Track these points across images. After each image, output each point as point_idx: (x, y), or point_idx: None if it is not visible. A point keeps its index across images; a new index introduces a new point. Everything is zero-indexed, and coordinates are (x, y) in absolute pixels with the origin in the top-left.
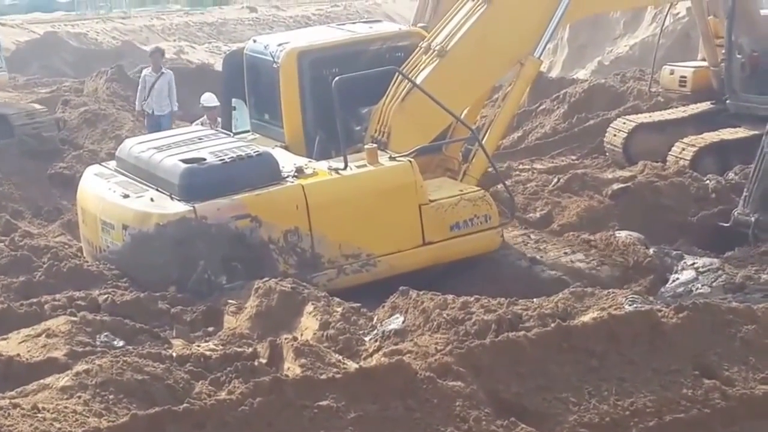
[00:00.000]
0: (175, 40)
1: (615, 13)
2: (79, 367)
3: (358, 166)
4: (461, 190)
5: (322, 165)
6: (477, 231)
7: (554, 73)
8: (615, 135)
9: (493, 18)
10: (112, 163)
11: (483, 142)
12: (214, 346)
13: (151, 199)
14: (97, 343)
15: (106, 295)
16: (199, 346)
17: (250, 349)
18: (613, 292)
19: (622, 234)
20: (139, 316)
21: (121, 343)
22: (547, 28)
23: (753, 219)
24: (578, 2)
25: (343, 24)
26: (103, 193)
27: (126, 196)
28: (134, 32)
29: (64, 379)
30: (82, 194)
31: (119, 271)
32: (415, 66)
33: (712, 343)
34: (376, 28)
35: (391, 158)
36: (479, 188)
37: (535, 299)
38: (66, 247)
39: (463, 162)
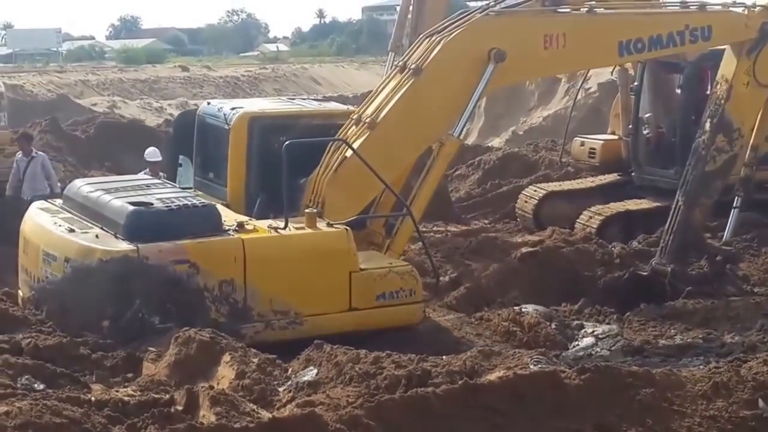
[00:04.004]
0: (109, 95)
1: (530, 86)
2: (0, 408)
3: (297, 228)
4: (390, 263)
5: (263, 223)
6: (401, 303)
7: (470, 141)
8: (526, 201)
9: (420, 88)
10: (59, 201)
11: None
12: (132, 392)
13: (96, 236)
14: (18, 385)
15: (29, 339)
16: (117, 391)
17: (167, 396)
18: (518, 352)
19: (529, 309)
20: (60, 360)
21: (41, 387)
22: (470, 99)
23: (669, 269)
24: (498, 74)
25: (293, 97)
26: (49, 226)
27: (71, 231)
28: (69, 86)
29: None
30: (26, 225)
31: (54, 303)
32: (346, 137)
33: (611, 405)
34: (324, 105)
35: (329, 224)
36: (407, 263)
37: (444, 356)
38: None
39: (387, 236)
